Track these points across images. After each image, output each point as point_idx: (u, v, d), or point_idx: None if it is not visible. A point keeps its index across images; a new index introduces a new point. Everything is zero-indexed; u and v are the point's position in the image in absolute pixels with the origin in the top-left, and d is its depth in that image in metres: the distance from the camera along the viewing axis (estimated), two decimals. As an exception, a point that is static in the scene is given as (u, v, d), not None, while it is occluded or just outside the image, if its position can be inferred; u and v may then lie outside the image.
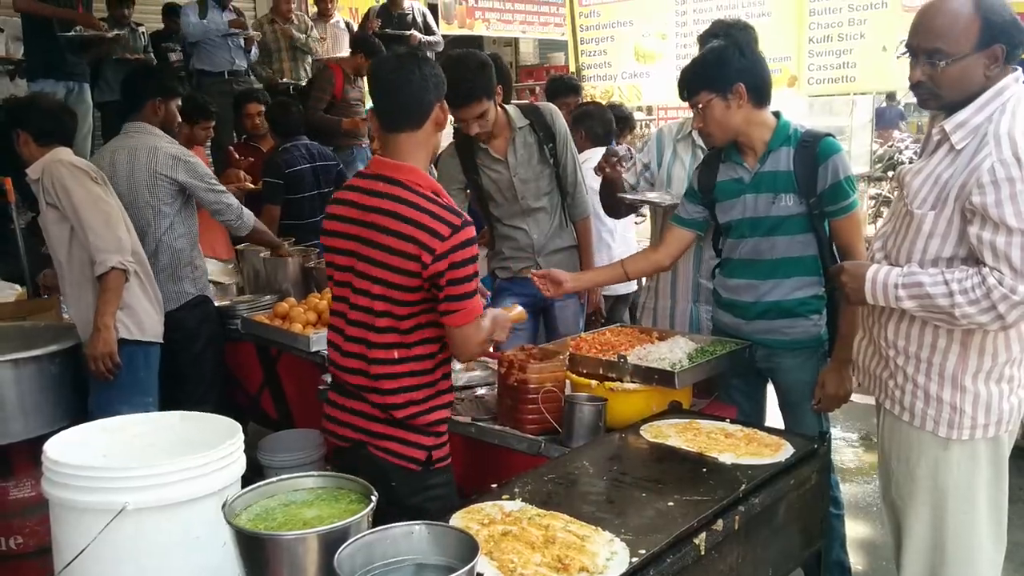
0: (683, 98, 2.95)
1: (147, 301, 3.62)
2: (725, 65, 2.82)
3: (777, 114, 2.92)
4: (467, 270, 2.26)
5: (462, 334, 2.30)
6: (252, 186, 5.79)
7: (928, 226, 2.27)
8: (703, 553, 1.92)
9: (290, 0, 7.57)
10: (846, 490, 3.59)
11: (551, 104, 3.97)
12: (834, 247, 2.88)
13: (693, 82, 2.88)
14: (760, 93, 2.85)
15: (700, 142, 3.36)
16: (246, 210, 4.18)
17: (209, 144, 6.99)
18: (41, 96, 4.21)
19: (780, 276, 2.90)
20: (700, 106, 2.86)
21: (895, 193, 2.46)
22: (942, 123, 2.29)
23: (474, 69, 3.31)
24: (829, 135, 2.87)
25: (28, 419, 3.29)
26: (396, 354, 2.32)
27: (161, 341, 3.68)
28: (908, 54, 2.30)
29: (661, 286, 3.61)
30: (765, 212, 2.88)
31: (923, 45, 2.24)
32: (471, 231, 2.27)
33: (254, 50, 7.44)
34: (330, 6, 8.00)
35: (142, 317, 3.57)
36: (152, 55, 7.22)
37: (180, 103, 4.22)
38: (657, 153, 3.52)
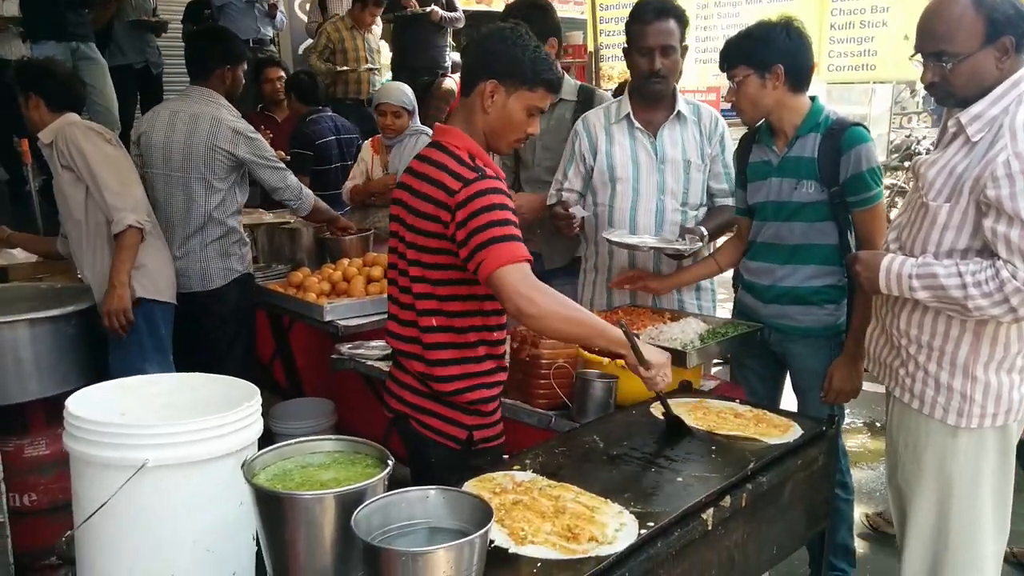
0: (722, 69, 2.92)
1: (162, 262, 3.66)
2: (768, 44, 2.79)
3: (814, 99, 2.90)
4: (490, 216, 2.15)
5: (498, 280, 2.12)
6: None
7: (943, 218, 2.27)
8: (710, 528, 1.94)
9: (375, 12, 7.06)
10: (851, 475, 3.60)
11: (608, 95, 3.92)
12: (853, 239, 2.87)
13: (733, 55, 2.85)
14: (798, 78, 2.83)
15: (638, 124, 3.29)
16: (306, 189, 4.10)
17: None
18: (56, 62, 4.15)
19: (797, 262, 2.91)
20: (736, 80, 2.83)
21: (910, 184, 2.47)
22: (958, 115, 2.30)
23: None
24: (858, 125, 2.85)
25: (44, 378, 3.33)
26: (435, 321, 2.31)
27: (175, 302, 3.69)
28: (919, 56, 2.32)
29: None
30: (788, 197, 2.88)
31: (928, 49, 2.27)
32: (491, 182, 2.21)
33: (280, 17, 7.35)
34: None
35: (157, 277, 3.61)
36: (161, 18, 7.14)
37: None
38: (590, 144, 3.37)
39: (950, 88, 2.27)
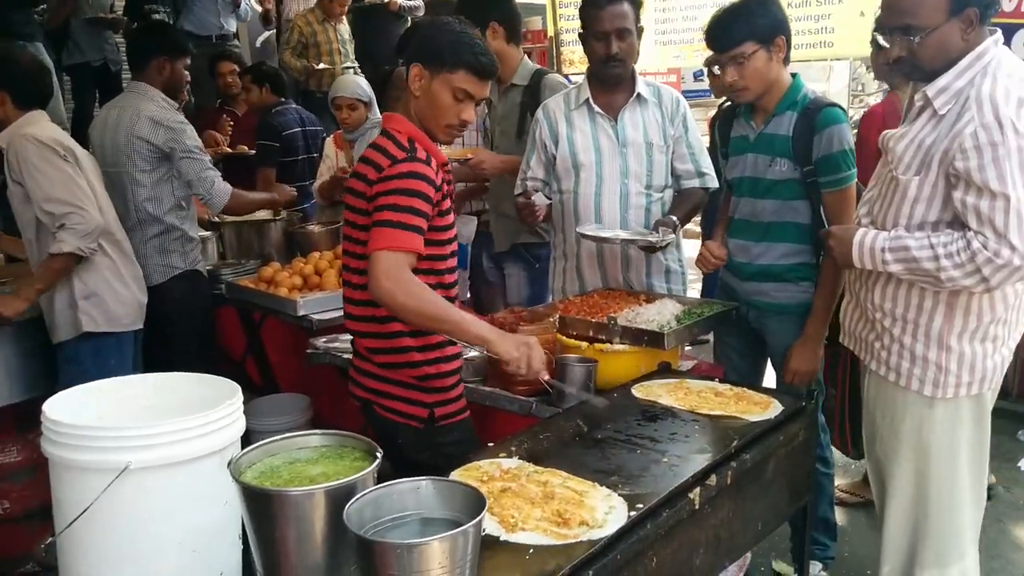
0: (718, 47, 2.82)
1: (120, 285, 3.45)
2: (770, 14, 2.76)
3: (795, 75, 2.89)
4: (395, 199, 2.21)
5: (372, 262, 2.18)
6: (229, 150, 5.73)
7: (913, 191, 2.29)
8: (697, 507, 1.95)
9: (345, 2, 6.95)
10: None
11: (559, 79, 3.93)
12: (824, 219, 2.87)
13: (736, 30, 2.76)
14: (789, 50, 2.83)
15: (598, 109, 3.28)
16: (223, 185, 3.84)
17: (194, 109, 6.90)
18: (20, 51, 3.89)
19: (771, 239, 2.93)
20: (742, 58, 2.76)
21: (882, 158, 2.48)
22: (924, 88, 2.31)
23: None
24: (834, 105, 2.85)
25: (12, 384, 3.27)
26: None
27: (137, 327, 3.53)
28: (884, 34, 2.32)
29: (584, 263, 3.42)
30: (762, 173, 2.89)
31: (894, 23, 2.27)
32: (415, 165, 2.25)
33: (244, 7, 7.21)
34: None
35: (111, 306, 3.42)
36: (120, 13, 7.01)
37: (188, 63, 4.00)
38: (551, 132, 3.35)
39: (917, 62, 2.28)
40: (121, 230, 3.50)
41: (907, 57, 2.29)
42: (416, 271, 2.26)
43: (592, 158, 3.29)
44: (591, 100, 3.30)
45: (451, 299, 2.42)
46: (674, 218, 3.16)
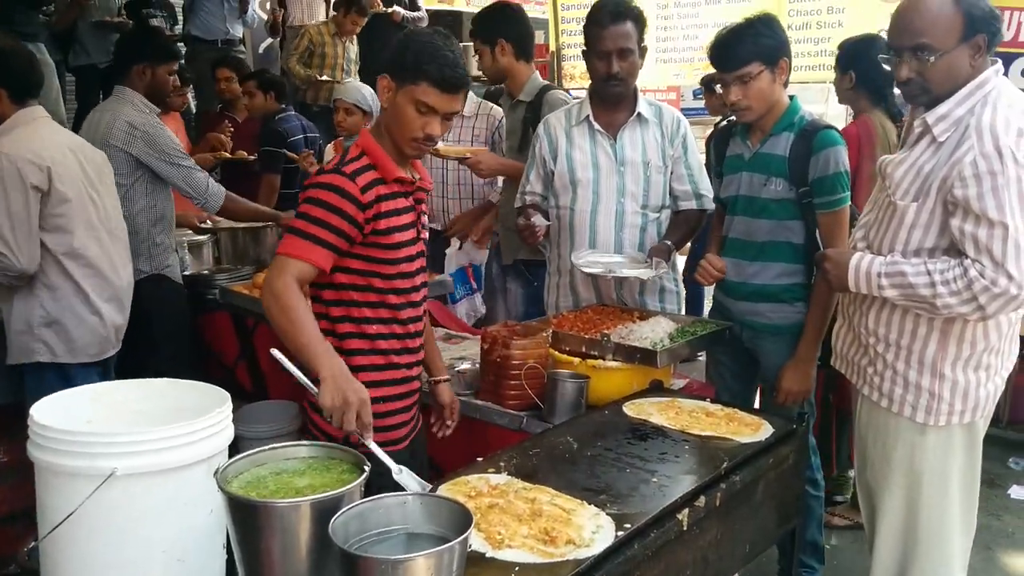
0: (724, 67, 2.81)
1: (88, 311, 3.21)
2: (775, 35, 2.77)
3: (792, 98, 2.91)
4: (304, 207, 2.20)
5: (271, 265, 2.21)
6: (228, 155, 5.72)
7: (911, 217, 2.30)
8: (685, 528, 1.95)
9: (358, 20, 7.03)
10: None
11: (559, 96, 3.94)
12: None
13: (743, 51, 2.75)
14: (789, 73, 2.84)
15: (598, 126, 3.28)
16: (215, 186, 3.86)
17: (197, 113, 6.91)
18: (13, 44, 3.62)
19: (765, 259, 2.93)
20: (748, 78, 2.76)
21: (878, 183, 2.49)
22: (924, 115, 2.32)
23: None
24: (830, 127, 2.86)
25: (-1, 386, 3.24)
26: (335, 312, 2.31)
27: (106, 356, 3.31)
28: (892, 55, 2.32)
29: (579, 280, 3.39)
30: (757, 192, 2.90)
31: (908, 43, 2.26)
32: (331, 177, 2.21)
33: (251, 13, 7.25)
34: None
35: (74, 334, 3.19)
36: (125, 18, 7.05)
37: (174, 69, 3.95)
38: (550, 148, 3.35)
39: (927, 84, 2.27)
40: (91, 255, 3.22)
41: (916, 79, 2.28)
42: (352, 288, 2.26)
43: (590, 175, 3.29)
44: (591, 117, 3.31)
45: (408, 320, 2.35)
46: (669, 243, 3.17)
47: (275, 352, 2.02)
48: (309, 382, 2.00)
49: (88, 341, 3.21)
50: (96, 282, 3.23)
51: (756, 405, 3.19)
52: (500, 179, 4.36)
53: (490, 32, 3.90)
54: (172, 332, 3.90)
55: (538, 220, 3.23)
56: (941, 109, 2.27)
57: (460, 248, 4.56)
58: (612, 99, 3.26)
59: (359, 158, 2.27)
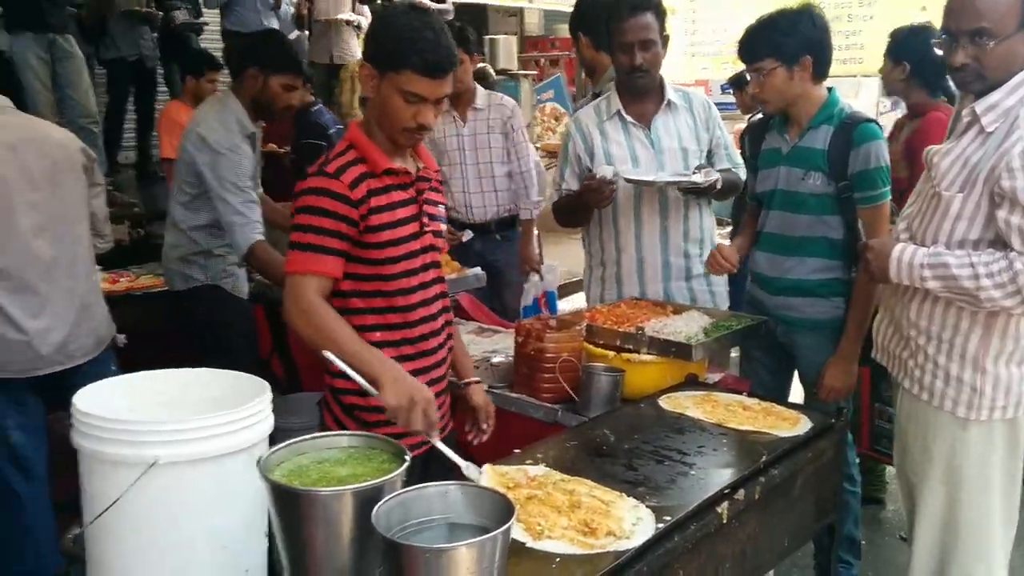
0: (743, 59, 2.85)
1: (11, 329, 2.83)
2: (797, 33, 2.74)
3: (831, 90, 2.86)
4: (298, 218, 2.13)
5: (285, 286, 2.14)
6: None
7: (956, 208, 2.26)
8: (725, 521, 1.93)
9: None
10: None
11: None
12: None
13: (759, 45, 2.77)
14: (823, 68, 2.80)
15: (631, 119, 3.26)
16: (240, 236, 3.40)
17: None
18: None
19: (803, 254, 2.90)
20: (763, 73, 2.78)
21: (923, 173, 2.45)
22: (972, 104, 2.28)
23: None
24: (871, 121, 2.82)
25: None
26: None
27: (30, 375, 2.89)
28: (946, 39, 2.27)
29: (624, 271, 3.38)
30: (795, 187, 2.87)
31: (966, 26, 2.20)
32: (317, 180, 2.13)
33: (284, 7, 7.27)
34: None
35: None
36: (155, 9, 7.11)
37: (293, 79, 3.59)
38: (584, 144, 3.33)
39: (983, 71, 2.21)
40: (39, 261, 2.88)
41: (972, 65, 2.22)
42: (354, 294, 2.19)
43: (630, 168, 3.27)
44: (622, 111, 3.29)
45: (419, 321, 2.26)
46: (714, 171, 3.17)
47: (327, 354, 1.97)
48: (367, 383, 1.95)
49: (5, 359, 2.85)
50: (17, 298, 2.85)
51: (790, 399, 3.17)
52: (534, 187, 4.41)
53: (572, 26, 4.00)
54: (228, 343, 3.72)
55: (603, 170, 3.16)
56: (990, 99, 2.22)
57: (539, 279, 4.67)
58: (638, 90, 3.26)
59: (345, 152, 2.18)
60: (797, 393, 3.22)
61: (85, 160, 3.09)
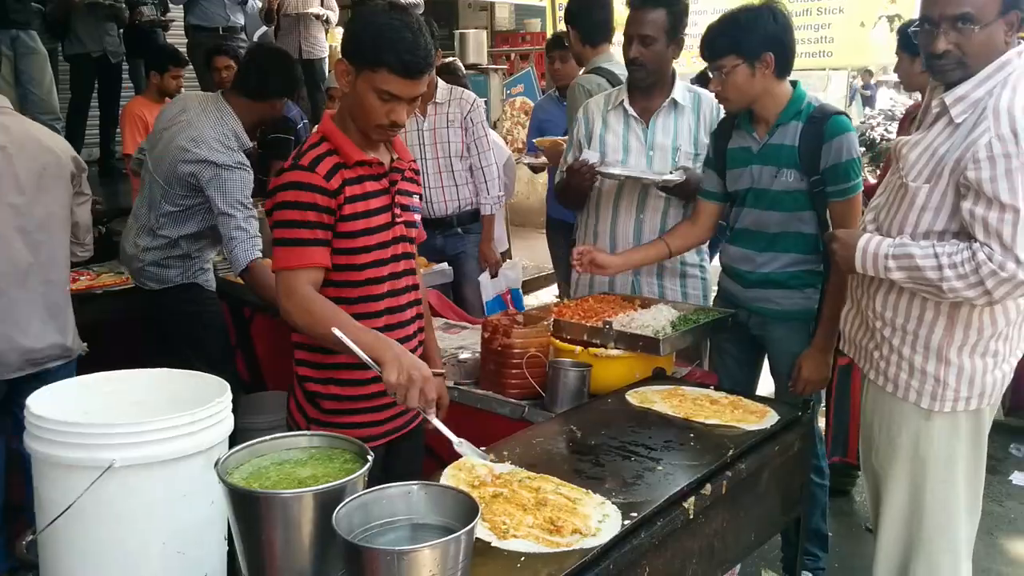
0: (705, 57, 2.84)
1: None
2: (758, 30, 2.72)
3: (795, 84, 2.86)
4: (278, 214, 2.17)
5: (277, 283, 2.19)
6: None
7: (922, 199, 2.27)
8: (692, 516, 1.93)
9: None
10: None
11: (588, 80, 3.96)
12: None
13: (720, 44, 2.76)
14: (785, 64, 2.78)
15: (633, 112, 3.29)
16: (239, 252, 3.38)
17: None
18: None
19: (777, 250, 2.90)
20: (724, 70, 2.77)
21: (891, 165, 2.45)
22: (942, 95, 2.28)
23: None
24: (840, 113, 2.82)
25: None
26: None
27: None
28: (925, 26, 2.25)
29: None
30: (768, 184, 2.86)
31: (949, 12, 2.18)
32: (290, 175, 2.17)
33: (252, 2, 7.22)
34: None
35: None
36: (122, 4, 7.00)
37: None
38: (586, 129, 3.40)
39: (964, 58, 2.20)
40: (14, 263, 2.86)
41: (954, 52, 2.21)
42: (328, 284, 2.21)
43: (619, 158, 3.30)
44: (627, 102, 3.32)
45: (389, 310, 2.30)
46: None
47: (335, 330, 2.00)
48: (371, 360, 1.98)
49: None
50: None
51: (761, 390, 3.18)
52: (495, 182, 4.40)
53: (566, 19, 4.07)
54: (205, 336, 3.79)
55: (588, 155, 3.21)
56: (959, 90, 2.22)
57: (494, 277, 4.64)
58: (637, 84, 3.28)
59: (319, 144, 2.22)
60: (766, 385, 3.23)
61: (75, 169, 3.06)
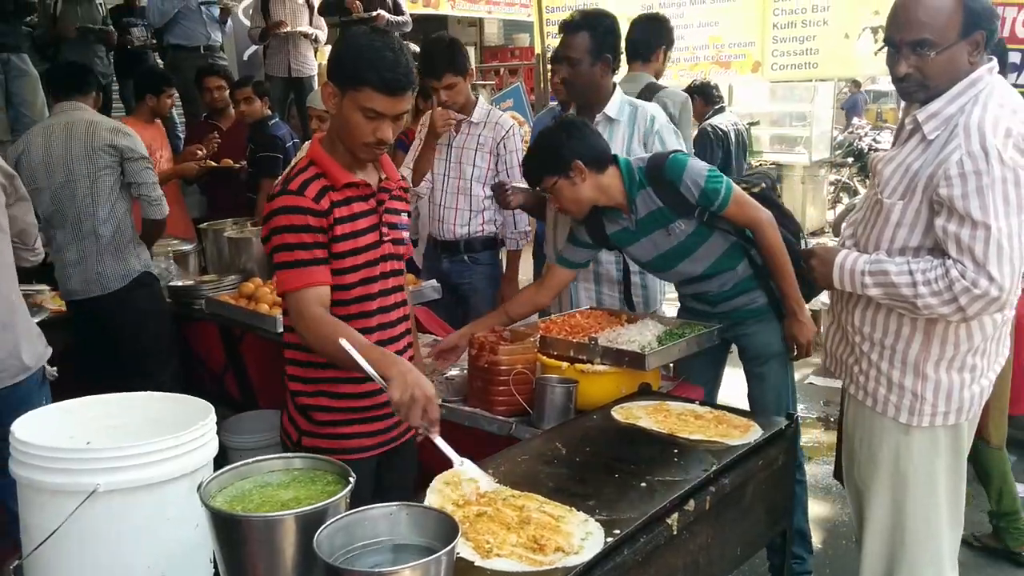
0: (532, 188, 3.06)
1: None
2: (558, 148, 2.87)
3: (615, 160, 2.93)
4: (276, 239, 2.22)
5: (286, 305, 2.26)
6: (214, 164, 5.70)
7: (896, 215, 2.29)
8: (675, 533, 1.94)
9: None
10: (806, 470, 3.63)
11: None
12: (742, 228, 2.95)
13: (535, 171, 2.95)
14: (598, 160, 2.89)
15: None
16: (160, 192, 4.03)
17: (182, 123, 6.90)
18: None
19: (715, 275, 3.02)
20: (548, 191, 2.92)
21: (868, 181, 2.48)
22: (915, 112, 2.30)
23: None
24: (666, 156, 2.91)
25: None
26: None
27: None
28: (889, 48, 2.28)
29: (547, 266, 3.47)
30: (670, 244, 2.96)
31: (908, 38, 2.22)
32: (284, 199, 2.22)
33: (231, 21, 7.27)
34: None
35: None
36: (111, 27, 7.03)
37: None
38: None
39: (925, 80, 2.24)
40: None
41: (915, 75, 2.24)
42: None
43: None
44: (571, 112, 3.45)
45: (377, 327, 2.37)
46: None
47: (343, 342, 2.05)
48: (378, 375, 2.02)
49: None
50: None
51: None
52: (523, 216, 4.24)
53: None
54: (164, 328, 4.11)
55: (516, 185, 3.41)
56: (932, 107, 2.25)
57: None
58: (572, 100, 3.45)
59: (306, 168, 2.28)
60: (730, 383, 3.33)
61: (2, 179, 3.01)
